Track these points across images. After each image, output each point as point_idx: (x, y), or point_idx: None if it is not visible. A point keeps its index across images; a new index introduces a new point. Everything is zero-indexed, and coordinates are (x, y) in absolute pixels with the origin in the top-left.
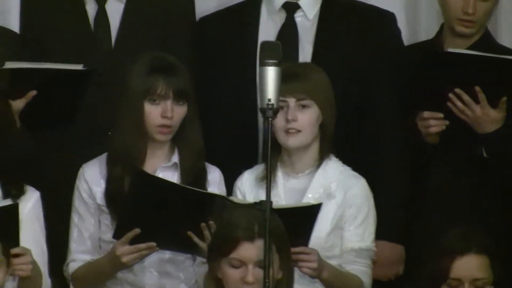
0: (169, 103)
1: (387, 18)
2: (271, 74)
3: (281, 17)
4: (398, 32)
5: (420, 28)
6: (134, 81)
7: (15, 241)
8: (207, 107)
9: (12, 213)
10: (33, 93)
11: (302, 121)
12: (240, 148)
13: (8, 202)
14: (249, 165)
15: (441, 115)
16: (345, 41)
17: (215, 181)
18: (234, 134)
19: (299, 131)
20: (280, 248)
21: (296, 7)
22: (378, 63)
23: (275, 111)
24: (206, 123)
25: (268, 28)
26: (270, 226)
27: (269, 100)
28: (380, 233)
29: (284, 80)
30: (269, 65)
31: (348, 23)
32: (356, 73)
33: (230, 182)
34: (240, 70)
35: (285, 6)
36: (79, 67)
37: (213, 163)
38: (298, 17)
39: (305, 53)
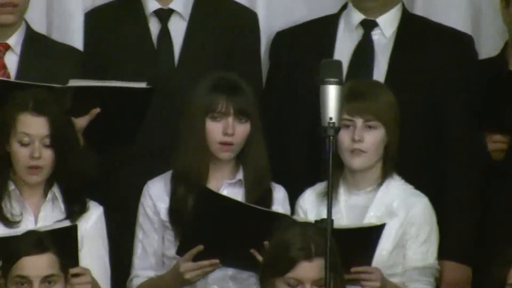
0: (230, 120)
1: (465, 40)
2: (332, 93)
3: (358, 34)
4: (475, 54)
5: (483, 45)
6: (197, 98)
7: (74, 261)
8: (271, 123)
9: (71, 234)
10: (97, 110)
11: (368, 142)
12: (303, 165)
13: (67, 223)
14: (311, 182)
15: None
16: (421, 61)
17: (279, 200)
18: (298, 150)
19: (364, 151)
20: (334, 266)
21: (374, 24)
22: (454, 85)
23: (337, 130)
24: (270, 139)
25: (344, 45)
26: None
27: (331, 118)
28: (448, 253)
29: (352, 99)
30: (330, 84)
31: (425, 44)
32: (430, 94)
33: (292, 199)
34: (310, 86)
35: (362, 23)
36: (143, 84)
37: (275, 179)
38: (375, 34)
39: (380, 71)
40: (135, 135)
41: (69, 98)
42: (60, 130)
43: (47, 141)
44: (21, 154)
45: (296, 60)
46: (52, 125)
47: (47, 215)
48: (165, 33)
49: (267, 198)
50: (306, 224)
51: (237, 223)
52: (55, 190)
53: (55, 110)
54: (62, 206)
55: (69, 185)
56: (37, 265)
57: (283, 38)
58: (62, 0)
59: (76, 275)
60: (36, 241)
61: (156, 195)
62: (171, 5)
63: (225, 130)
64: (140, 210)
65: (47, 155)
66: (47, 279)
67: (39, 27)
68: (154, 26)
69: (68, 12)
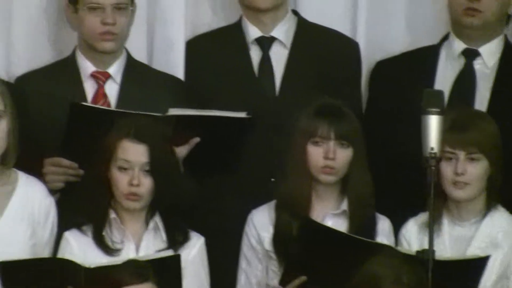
0: (331, 144)
1: None
2: (433, 123)
3: (460, 63)
4: None
5: None
6: (300, 124)
7: None
8: (372, 151)
9: (174, 264)
10: (196, 140)
11: (471, 174)
12: (405, 195)
13: (170, 252)
14: (414, 213)
15: None
16: None
17: (384, 232)
18: (400, 180)
19: (467, 184)
20: None
21: (476, 54)
22: None
23: (438, 160)
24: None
25: (445, 74)
26: (421, 276)
27: (432, 148)
28: None
29: (454, 130)
30: (432, 114)
31: None
32: None
33: (395, 229)
34: (411, 116)
35: (464, 53)
36: (243, 114)
37: (378, 209)
38: (477, 64)
39: (482, 101)
40: (236, 165)
41: (170, 127)
42: (160, 157)
43: (147, 168)
44: (120, 180)
45: (396, 90)
46: (152, 153)
47: (148, 244)
48: (266, 60)
49: (371, 228)
50: (405, 256)
51: (341, 254)
52: (157, 219)
53: (156, 138)
54: (163, 235)
55: (171, 214)
56: None
57: (383, 67)
58: (163, 28)
59: None
60: (137, 270)
61: (260, 225)
62: (273, 33)
63: (326, 154)
64: (244, 239)
65: (147, 182)
66: None
67: (140, 55)
68: (255, 54)
69: (169, 40)
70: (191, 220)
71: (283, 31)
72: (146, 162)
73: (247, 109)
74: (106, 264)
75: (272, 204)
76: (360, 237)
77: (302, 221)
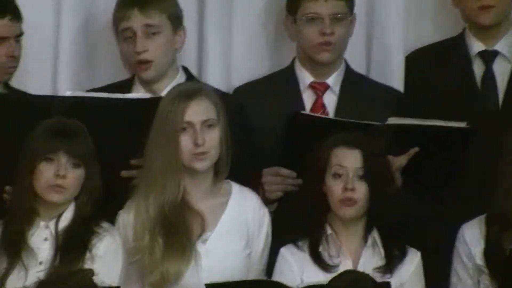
0: None
1: None
2: None
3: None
4: None
5: None
6: None
7: None
8: None
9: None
10: (416, 149)
11: None
12: None
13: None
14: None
15: None
16: None
17: None
18: None
19: None
20: None
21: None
22: None
23: None
24: None
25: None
26: None
27: None
28: None
29: None
30: None
31: None
32: None
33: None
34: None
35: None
36: (463, 124)
37: None
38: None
39: None
40: (455, 178)
41: (387, 136)
42: (373, 164)
43: (361, 173)
44: (336, 187)
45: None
46: (366, 158)
47: (367, 261)
48: (489, 75)
49: None
50: None
51: None
52: (375, 234)
53: (370, 144)
54: (382, 251)
55: (389, 229)
56: None
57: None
58: (381, 35)
59: None
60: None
61: (471, 239)
62: (496, 47)
63: None
64: (455, 255)
65: (362, 187)
66: None
67: (359, 63)
68: (478, 68)
69: (387, 48)
70: (408, 234)
71: (506, 44)
72: (359, 167)
73: (467, 122)
74: (324, 282)
75: (482, 218)
76: None
77: None
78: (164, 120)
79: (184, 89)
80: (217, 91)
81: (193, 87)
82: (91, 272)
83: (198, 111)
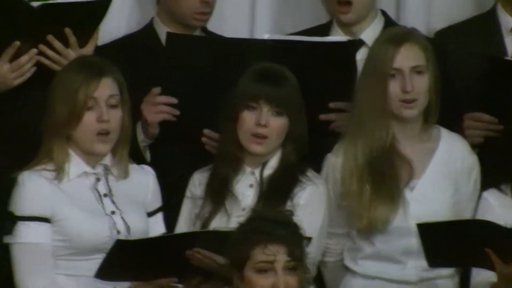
0: None
1: None
2: None
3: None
4: None
5: None
6: None
7: None
8: None
9: None
10: None
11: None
12: None
13: None
14: None
15: None
16: None
17: None
18: None
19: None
20: None
21: None
22: None
23: None
24: None
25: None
26: None
27: None
28: None
29: None
30: None
31: None
32: None
33: None
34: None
35: None
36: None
37: None
38: None
39: None
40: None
41: None
42: None
43: None
44: None
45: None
46: None
47: None
48: None
49: None
50: None
51: None
52: None
53: None
54: None
55: None
56: None
57: None
58: None
59: None
60: None
61: None
62: None
63: None
64: None
65: None
66: None
67: None
68: (510, 43)
69: None
70: None
71: None
72: None
73: None
74: None
75: None
76: None
77: None
78: (372, 65)
79: (394, 34)
80: None
81: (403, 32)
82: (291, 213)
83: (407, 57)
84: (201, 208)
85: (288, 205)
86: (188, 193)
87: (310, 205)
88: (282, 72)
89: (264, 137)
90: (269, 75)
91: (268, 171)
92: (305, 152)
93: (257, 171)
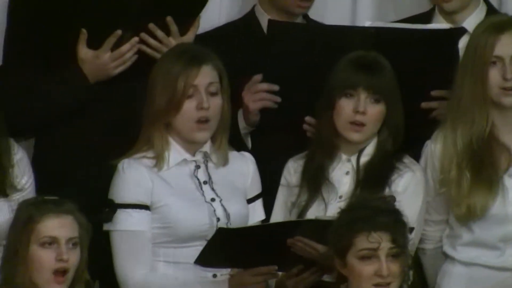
0: None
1: None
2: None
3: None
4: None
5: None
6: None
7: None
8: None
9: None
10: None
11: None
12: None
13: None
14: None
15: None
16: None
17: None
18: None
19: None
20: None
21: None
22: None
23: None
24: None
25: None
26: None
27: None
28: None
29: None
30: None
31: None
32: None
33: None
34: None
35: None
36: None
37: None
38: None
39: None
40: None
41: None
42: None
43: None
44: None
45: None
46: None
47: None
48: None
49: None
50: None
51: None
52: None
53: None
54: None
55: None
56: None
57: None
58: None
59: None
60: None
61: None
62: None
63: None
64: None
65: None
66: None
67: None
68: None
69: None
70: None
71: None
72: None
73: None
74: None
75: None
76: None
77: None
78: (473, 52)
79: (495, 22)
80: None
81: (505, 20)
82: (393, 199)
83: (508, 45)
84: (297, 196)
85: (386, 192)
86: (283, 181)
87: (408, 191)
88: (379, 60)
89: (362, 124)
90: (366, 63)
91: (365, 158)
92: (401, 139)
93: (353, 158)
